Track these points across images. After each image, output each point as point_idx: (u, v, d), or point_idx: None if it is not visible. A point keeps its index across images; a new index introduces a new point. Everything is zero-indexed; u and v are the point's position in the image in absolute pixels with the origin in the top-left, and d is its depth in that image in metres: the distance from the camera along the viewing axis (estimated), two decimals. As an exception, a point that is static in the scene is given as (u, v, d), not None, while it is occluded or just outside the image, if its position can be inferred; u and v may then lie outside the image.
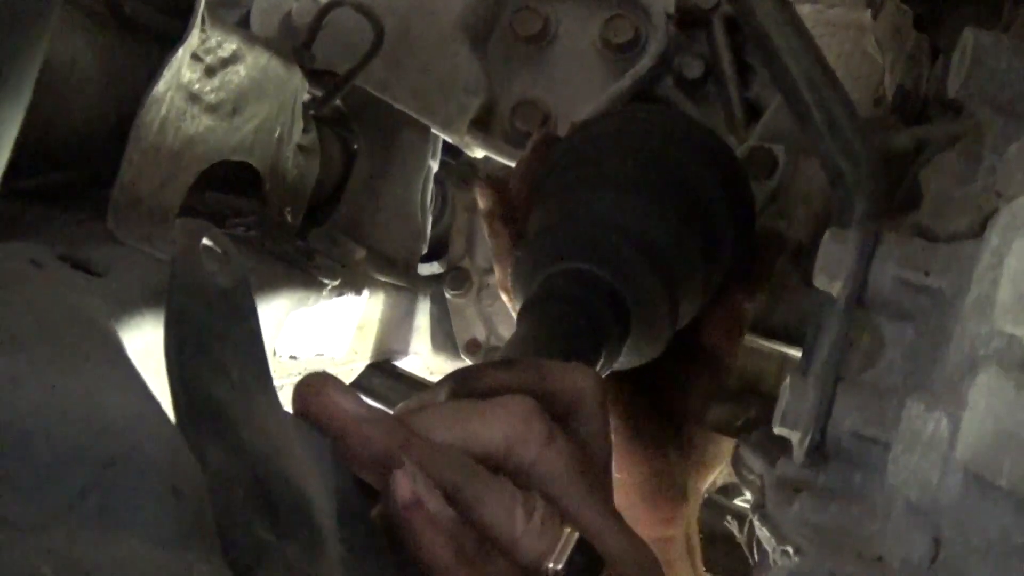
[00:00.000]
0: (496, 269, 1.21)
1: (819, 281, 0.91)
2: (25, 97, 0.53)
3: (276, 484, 0.54)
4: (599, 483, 0.74)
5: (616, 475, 1.14)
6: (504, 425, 0.68)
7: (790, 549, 0.83)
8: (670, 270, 1.03)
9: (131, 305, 0.90)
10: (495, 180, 1.24)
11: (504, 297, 1.17)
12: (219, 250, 0.64)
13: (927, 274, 0.83)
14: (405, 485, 0.60)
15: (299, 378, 1.19)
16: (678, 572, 1.19)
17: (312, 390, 0.64)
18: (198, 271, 0.60)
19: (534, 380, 0.74)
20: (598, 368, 0.98)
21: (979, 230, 0.76)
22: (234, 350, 0.60)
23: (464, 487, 0.63)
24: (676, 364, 1.18)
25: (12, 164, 0.57)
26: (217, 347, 0.58)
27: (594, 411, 0.76)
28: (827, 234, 0.92)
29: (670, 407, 1.21)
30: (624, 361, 1.05)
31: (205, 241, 0.63)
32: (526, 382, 0.73)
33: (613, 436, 1.08)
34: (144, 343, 0.91)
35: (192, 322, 0.57)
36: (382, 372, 1.91)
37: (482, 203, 1.22)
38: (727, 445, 1.21)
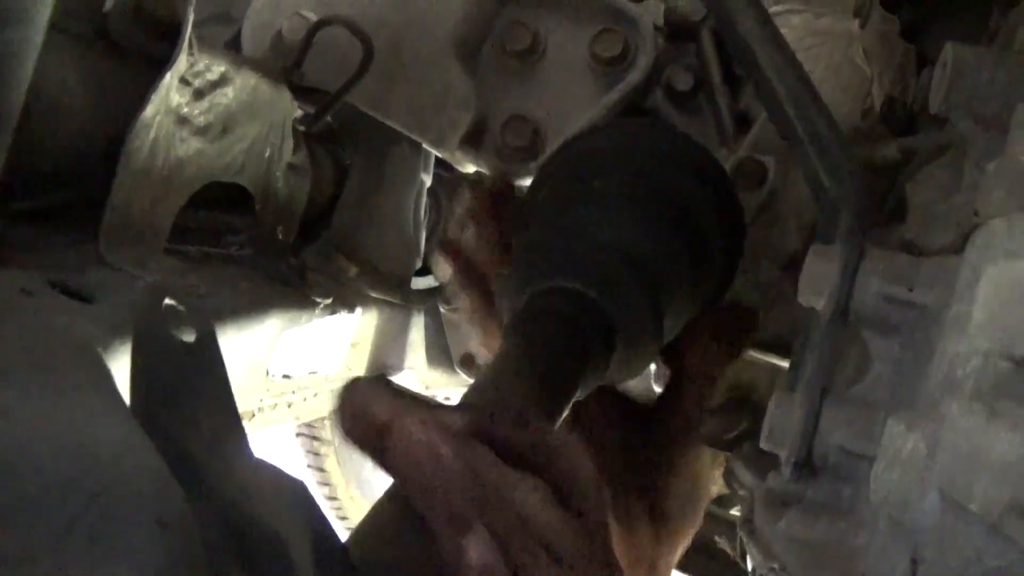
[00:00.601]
0: (488, 269, 1.22)
1: (804, 298, 0.92)
2: (8, 132, 0.54)
3: (250, 528, 0.54)
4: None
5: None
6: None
7: (776, 566, 0.84)
8: (656, 287, 1.04)
9: (122, 330, 0.90)
10: (476, 181, 1.24)
11: (477, 330, 1.17)
12: (181, 308, 0.65)
13: (911, 289, 0.83)
14: (479, 553, 0.62)
15: (292, 397, 1.19)
16: None
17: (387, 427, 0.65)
18: (161, 330, 0.61)
19: (543, 460, 0.74)
20: (583, 386, 0.99)
21: (961, 245, 0.76)
22: (203, 401, 0.61)
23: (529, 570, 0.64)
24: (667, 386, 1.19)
25: (3, 188, 0.57)
26: (186, 400, 0.59)
27: (594, 493, 0.76)
28: (811, 250, 0.92)
29: (655, 432, 1.21)
30: (610, 377, 1.06)
31: (167, 301, 0.64)
32: (538, 460, 0.73)
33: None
34: (136, 368, 0.92)
35: (158, 379, 0.58)
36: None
37: (450, 273, 1.23)
38: (696, 515, 1.21)
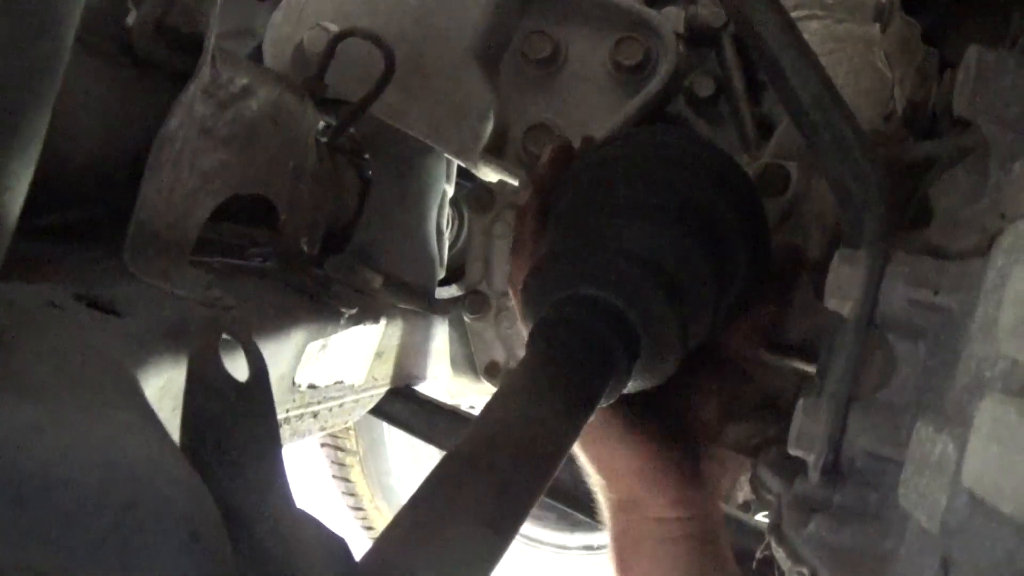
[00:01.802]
0: (515, 280, 1.23)
1: (830, 303, 0.91)
2: (35, 150, 0.54)
3: None
4: None
5: (615, 462, 1.16)
6: None
7: (805, 571, 0.84)
8: (680, 294, 1.04)
9: (150, 344, 0.90)
10: (529, 197, 1.26)
11: (521, 320, 1.18)
12: (237, 344, 0.65)
13: (936, 293, 0.83)
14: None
15: (318, 407, 1.20)
16: (692, 555, 1.20)
17: None
18: (215, 368, 0.61)
19: None
20: (606, 393, 0.99)
21: (986, 248, 0.76)
22: (251, 447, 0.61)
23: None
24: (697, 376, 1.20)
25: (28, 203, 0.57)
26: (234, 445, 0.59)
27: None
28: (836, 255, 0.92)
29: (676, 407, 1.23)
30: (633, 385, 1.06)
31: (224, 336, 0.64)
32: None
33: (607, 428, 1.12)
34: (163, 382, 0.92)
35: (210, 420, 0.58)
36: (403, 398, 1.91)
37: (521, 196, 1.26)
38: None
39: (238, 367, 0.64)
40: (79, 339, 0.64)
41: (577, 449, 1.24)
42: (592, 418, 1.06)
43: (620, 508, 1.25)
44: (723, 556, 1.23)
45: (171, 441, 0.53)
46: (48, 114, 0.54)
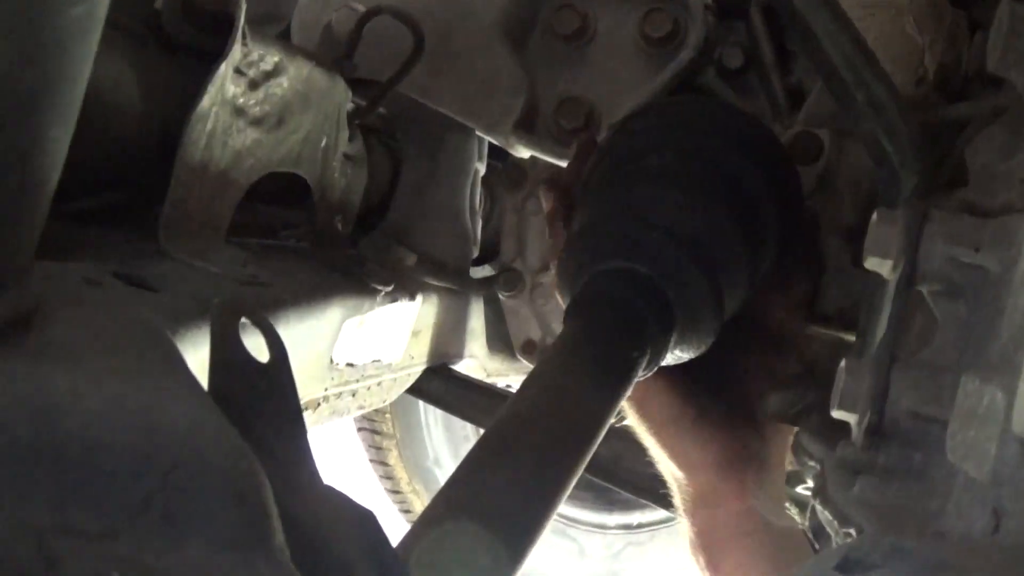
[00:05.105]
0: (555, 268, 1.23)
1: (870, 262, 0.91)
2: (71, 120, 0.54)
3: (319, 556, 0.55)
4: None
5: (690, 455, 1.16)
6: None
7: (852, 531, 0.83)
8: (713, 264, 1.03)
9: (187, 320, 0.91)
10: (557, 181, 1.26)
11: (559, 296, 1.18)
12: (257, 327, 0.65)
13: (977, 250, 0.82)
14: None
15: (357, 385, 1.20)
16: (777, 541, 1.20)
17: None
18: (237, 351, 0.62)
19: None
20: (644, 366, 0.99)
21: (1026, 202, 0.76)
22: (275, 427, 0.61)
23: None
24: (742, 348, 1.20)
25: (62, 187, 0.57)
26: (259, 425, 0.59)
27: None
28: (875, 214, 0.91)
29: (736, 390, 1.23)
30: (672, 357, 1.06)
31: (243, 320, 0.64)
32: None
33: (679, 420, 1.11)
34: (201, 358, 0.92)
35: (233, 401, 0.58)
36: (439, 377, 1.91)
37: (545, 204, 1.25)
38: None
39: (259, 349, 0.65)
40: (118, 310, 0.64)
41: (651, 443, 1.25)
42: (665, 406, 1.06)
43: (701, 503, 1.24)
44: (795, 532, 1.22)
45: (213, 405, 0.53)
46: (84, 82, 0.54)
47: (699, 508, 1.24)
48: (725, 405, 1.22)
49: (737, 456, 1.20)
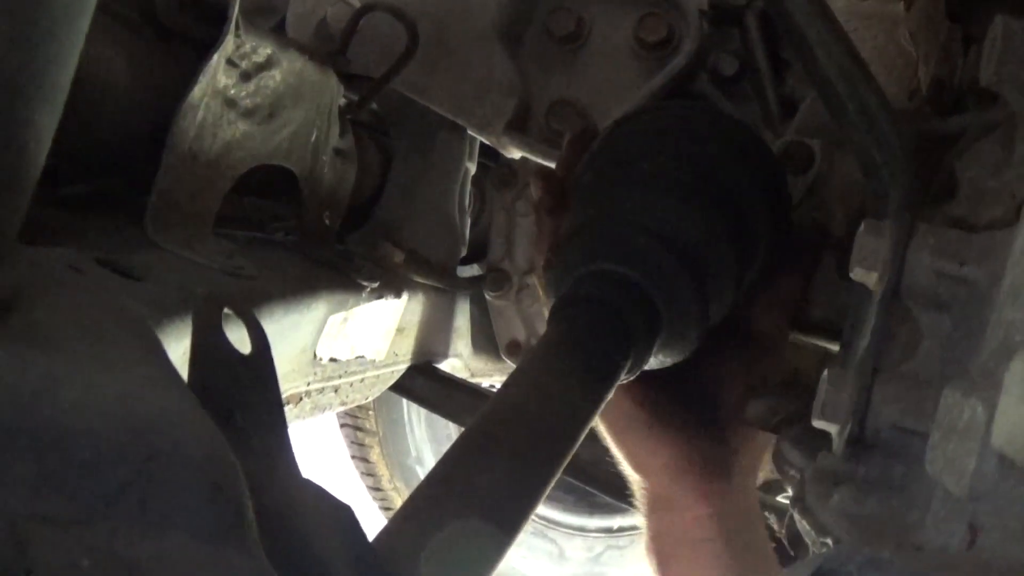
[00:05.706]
0: (537, 259, 1.23)
1: (856, 273, 0.91)
2: (58, 105, 0.54)
3: (297, 545, 0.54)
4: None
5: (641, 458, 1.16)
6: None
7: (829, 541, 0.83)
8: (701, 270, 1.03)
9: (171, 309, 0.90)
10: (548, 172, 1.26)
11: (544, 295, 1.18)
12: (239, 319, 0.65)
13: (963, 264, 0.82)
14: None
15: (339, 381, 1.20)
16: (731, 550, 1.20)
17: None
18: (219, 342, 0.62)
19: None
20: (627, 369, 0.99)
21: (1014, 218, 0.75)
22: (255, 418, 0.61)
23: None
24: (723, 354, 1.20)
25: (50, 172, 0.57)
26: (239, 416, 0.59)
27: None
28: (863, 225, 0.91)
29: (709, 396, 1.23)
30: (655, 361, 1.06)
31: (226, 311, 0.64)
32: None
33: (633, 424, 1.12)
34: (183, 348, 0.92)
35: (214, 392, 0.59)
36: (424, 375, 1.91)
37: (534, 193, 1.25)
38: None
39: (242, 341, 0.65)
40: (100, 297, 0.64)
41: (610, 444, 1.25)
42: (621, 410, 1.06)
43: (657, 507, 1.24)
44: (759, 544, 1.22)
45: (191, 395, 0.53)
46: (73, 67, 0.54)
47: (655, 511, 1.24)
48: (692, 411, 1.21)
49: (692, 463, 1.20)
